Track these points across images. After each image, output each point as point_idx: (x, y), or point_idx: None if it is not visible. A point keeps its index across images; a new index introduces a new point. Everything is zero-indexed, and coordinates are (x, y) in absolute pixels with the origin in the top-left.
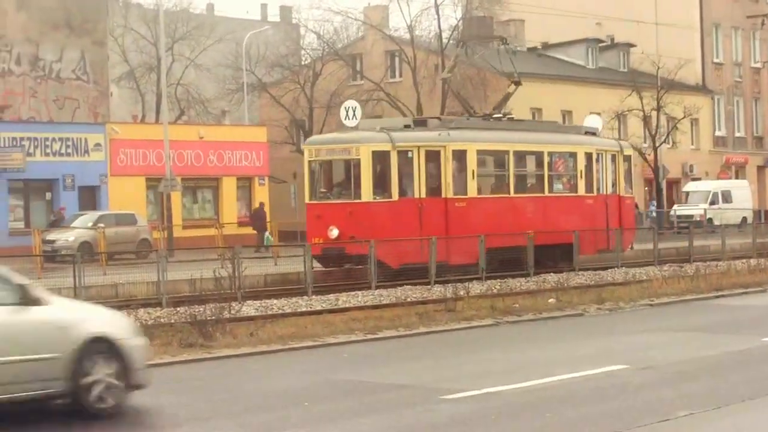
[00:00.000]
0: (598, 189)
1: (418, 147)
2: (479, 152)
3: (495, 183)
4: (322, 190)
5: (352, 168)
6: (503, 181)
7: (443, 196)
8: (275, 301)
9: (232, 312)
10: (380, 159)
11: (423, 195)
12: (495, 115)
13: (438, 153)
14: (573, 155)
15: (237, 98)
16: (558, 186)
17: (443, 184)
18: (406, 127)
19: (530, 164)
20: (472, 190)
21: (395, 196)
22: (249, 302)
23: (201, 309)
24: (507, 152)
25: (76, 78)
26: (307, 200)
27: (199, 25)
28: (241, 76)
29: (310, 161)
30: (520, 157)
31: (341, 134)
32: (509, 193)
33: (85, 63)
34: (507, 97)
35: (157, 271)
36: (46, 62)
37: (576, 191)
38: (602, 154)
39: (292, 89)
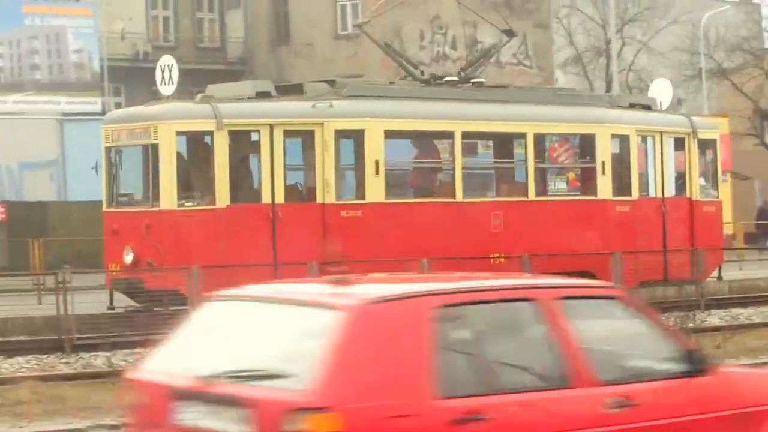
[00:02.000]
0: (643, 189)
1: (270, 125)
2: (390, 133)
3: (426, 181)
4: (122, 192)
5: (150, 159)
6: (442, 179)
7: (319, 200)
8: (742, 311)
9: (696, 322)
10: (194, 144)
11: (280, 199)
12: (447, 78)
13: (310, 134)
14: (588, 139)
15: (694, 85)
16: (558, 185)
17: (318, 182)
18: (261, 95)
19: (500, 152)
20: (374, 192)
21: (221, 201)
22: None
23: None
24: (450, 134)
25: (517, 63)
26: (104, 207)
27: (652, 5)
28: (699, 60)
29: (107, 148)
30: (479, 141)
31: (141, 108)
32: (453, 197)
33: (527, 47)
34: (486, 53)
35: None
36: (484, 46)
37: (595, 193)
38: (653, 136)
39: (755, 76)
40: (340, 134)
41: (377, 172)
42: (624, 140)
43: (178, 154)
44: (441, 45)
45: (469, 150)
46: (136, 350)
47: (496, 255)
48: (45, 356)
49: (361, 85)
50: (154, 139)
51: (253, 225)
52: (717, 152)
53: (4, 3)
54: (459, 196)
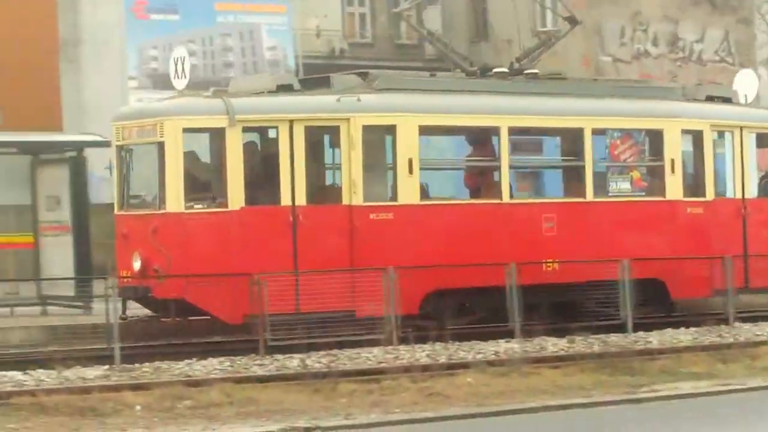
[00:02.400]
0: (720, 189)
1: (291, 121)
2: (426, 129)
3: (467, 181)
4: (132, 193)
5: (158, 158)
6: (486, 179)
7: (345, 202)
8: None
9: None
10: (205, 142)
11: (301, 201)
12: (496, 70)
13: (334, 130)
14: (655, 134)
15: None
16: (620, 185)
17: (345, 182)
18: (282, 88)
19: (554, 149)
20: (407, 193)
21: (235, 203)
22: None
23: None
24: (495, 130)
25: (719, 60)
26: (115, 210)
27: None
28: None
29: (118, 147)
30: (529, 137)
31: (151, 104)
32: (500, 198)
33: (729, 43)
34: (546, 42)
35: None
36: (686, 42)
37: (663, 194)
38: (731, 132)
39: None
40: (369, 130)
41: (411, 172)
42: (697, 136)
43: (187, 153)
44: (642, 42)
45: (518, 147)
46: (331, 352)
47: (549, 261)
48: (238, 358)
49: (394, 78)
50: (161, 137)
51: (272, 228)
52: None
53: (197, 1)
54: (505, 196)
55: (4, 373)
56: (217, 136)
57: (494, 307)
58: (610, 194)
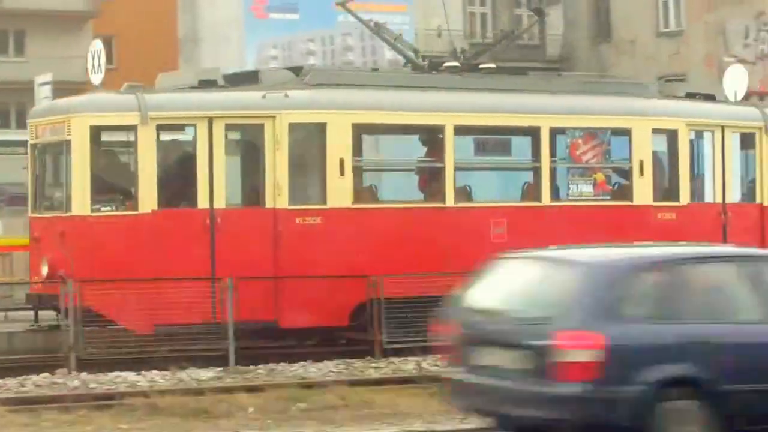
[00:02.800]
0: (697, 194)
1: (210, 118)
2: (360, 127)
3: (407, 184)
4: (44, 194)
5: (65, 157)
6: (427, 181)
7: (269, 205)
8: None
9: None
10: (114, 140)
11: (220, 204)
12: (447, 64)
13: (258, 128)
14: (621, 134)
15: None
16: (583, 188)
17: (268, 184)
18: (205, 84)
19: (506, 149)
20: (338, 196)
21: (145, 205)
22: None
23: None
24: (440, 128)
25: None
26: (29, 212)
27: None
28: None
29: (32, 146)
30: (477, 136)
31: (60, 101)
32: (442, 202)
33: None
34: (507, 35)
35: None
36: None
37: (630, 198)
38: (711, 132)
39: None
40: (297, 128)
41: (342, 173)
42: (671, 136)
43: (96, 152)
44: (766, 43)
45: (464, 147)
46: None
47: None
48: (354, 360)
49: (327, 73)
50: (68, 135)
51: (186, 232)
52: None
53: (317, 0)
54: (449, 200)
55: (118, 373)
56: (125, 134)
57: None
58: (569, 198)
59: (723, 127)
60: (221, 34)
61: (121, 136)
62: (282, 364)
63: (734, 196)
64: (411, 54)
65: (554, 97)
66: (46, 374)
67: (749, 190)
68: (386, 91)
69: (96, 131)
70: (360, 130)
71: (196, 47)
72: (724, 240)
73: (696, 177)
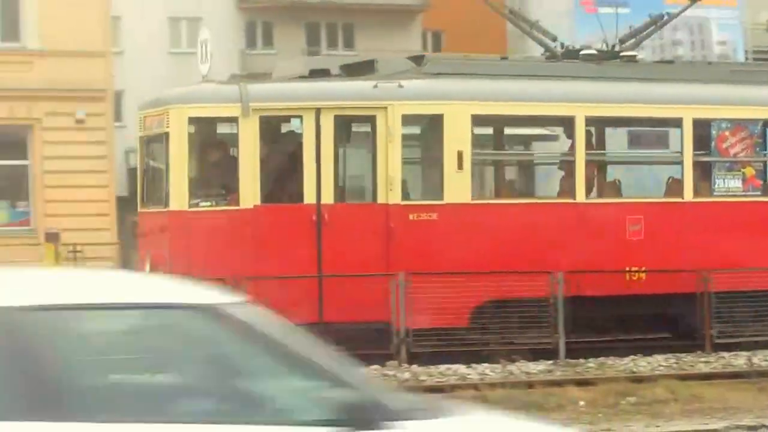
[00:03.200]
0: None
1: (318, 109)
2: (480, 119)
3: (533, 178)
4: (150, 189)
5: (164, 150)
6: (556, 175)
7: (381, 201)
8: None
9: None
10: (216, 133)
11: (329, 199)
12: (584, 53)
13: (370, 120)
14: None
15: None
16: (729, 183)
17: (380, 179)
18: (316, 73)
19: (644, 142)
20: (456, 192)
21: (247, 200)
22: None
23: None
24: (569, 119)
25: None
26: (138, 207)
27: None
28: None
29: (140, 138)
30: (614, 128)
31: (164, 91)
32: (572, 197)
33: None
34: (657, 21)
35: None
36: None
37: None
38: (299, 117)
39: None
40: (411, 120)
41: (460, 167)
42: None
43: (195, 145)
44: None
45: (598, 139)
46: None
47: (635, 269)
48: (683, 355)
49: (446, 61)
50: (167, 127)
51: (294, 230)
52: None
53: None
54: (580, 196)
55: (448, 366)
56: (231, 126)
57: None
58: (715, 194)
59: None
60: (550, 28)
61: (223, 128)
62: (612, 357)
63: None
64: (549, 42)
65: (702, 86)
66: (376, 366)
67: None
68: (510, 81)
69: (195, 123)
70: (480, 122)
71: (524, 41)
72: None
73: None
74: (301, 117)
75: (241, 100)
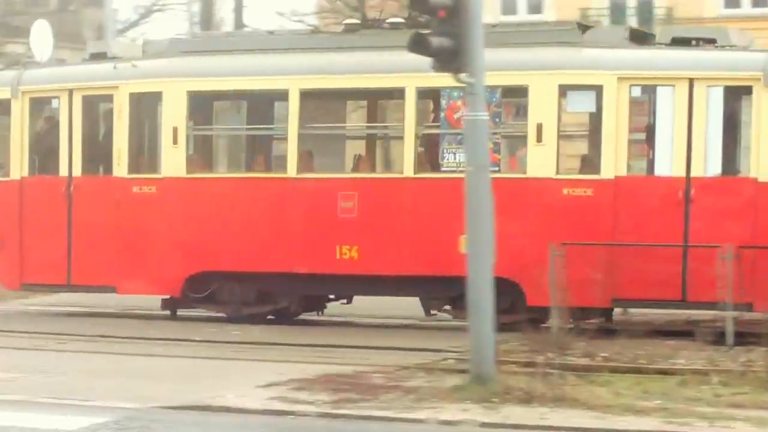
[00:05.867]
0: (638, 164)
1: (70, 90)
2: (198, 95)
3: (247, 153)
4: None
5: None
6: (272, 151)
7: (115, 174)
8: None
9: None
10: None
11: (78, 172)
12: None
13: (108, 99)
14: (517, 93)
15: None
16: (459, 158)
17: (115, 153)
18: (95, 57)
19: (365, 114)
20: (172, 166)
21: (16, 173)
22: None
23: None
24: (283, 92)
25: None
26: None
27: None
28: None
29: None
30: (335, 101)
31: None
32: (284, 172)
33: None
34: None
35: None
36: None
37: (524, 170)
38: (672, 86)
39: None
40: (137, 98)
41: (174, 142)
42: (596, 93)
43: None
44: None
45: (312, 113)
46: None
47: (347, 246)
48: None
49: (168, 42)
50: None
51: (47, 200)
52: None
53: None
54: (290, 170)
55: None
56: (4, 107)
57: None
58: (443, 169)
59: (692, 80)
60: None
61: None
62: None
63: (708, 167)
64: None
65: None
66: None
67: (733, 161)
68: (227, 57)
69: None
70: (196, 98)
71: None
72: (686, 223)
73: (635, 144)
74: (58, 98)
75: (12, 84)
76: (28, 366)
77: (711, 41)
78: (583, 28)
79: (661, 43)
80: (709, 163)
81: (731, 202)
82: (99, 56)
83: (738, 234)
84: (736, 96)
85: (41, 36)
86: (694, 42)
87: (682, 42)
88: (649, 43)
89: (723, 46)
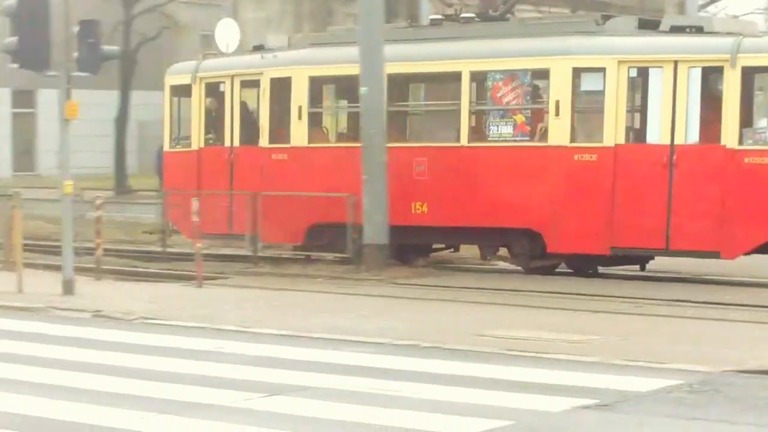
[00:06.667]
0: (633, 133)
1: (232, 77)
2: (316, 80)
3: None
4: None
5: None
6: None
7: (260, 144)
8: None
9: None
10: (183, 96)
11: (236, 143)
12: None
13: (255, 83)
14: (541, 75)
15: None
16: (502, 129)
17: (261, 127)
18: (257, 48)
19: (446, 93)
20: (297, 136)
21: (195, 144)
22: None
23: None
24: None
25: None
26: None
27: None
28: None
29: None
30: (418, 83)
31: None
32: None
33: None
34: None
35: None
36: None
37: (546, 139)
38: (660, 67)
39: None
40: (275, 83)
41: (299, 117)
42: (598, 75)
43: (172, 105)
44: None
45: (403, 92)
46: None
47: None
48: None
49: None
50: None
51: (215, 165)
52: None
53: None
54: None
55: None
56: (187, 91)
57: None
58: (489, 139)
59: (676, 62)
60: None
61: (183, 93)
62: None
63: (688, 136)
64: None
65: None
66: None
67: (711, 131)
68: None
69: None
70: (318, 83)
71: None
72: (670, 186)
73: (630, 116)
74: (224, 83)
75: (192, 72)
76: (606, 329)
77: (699, 29)
78: (605, 18)
79: (663, 31)
80: (689, 133)
81: (706, 165)
82: (259, 48)
83: (712, 192)
84: (711, 75)
85: (227, 31)
86: (688, 29)
87: (678, 29)
88: (653, 31)
89: (707, 33)
